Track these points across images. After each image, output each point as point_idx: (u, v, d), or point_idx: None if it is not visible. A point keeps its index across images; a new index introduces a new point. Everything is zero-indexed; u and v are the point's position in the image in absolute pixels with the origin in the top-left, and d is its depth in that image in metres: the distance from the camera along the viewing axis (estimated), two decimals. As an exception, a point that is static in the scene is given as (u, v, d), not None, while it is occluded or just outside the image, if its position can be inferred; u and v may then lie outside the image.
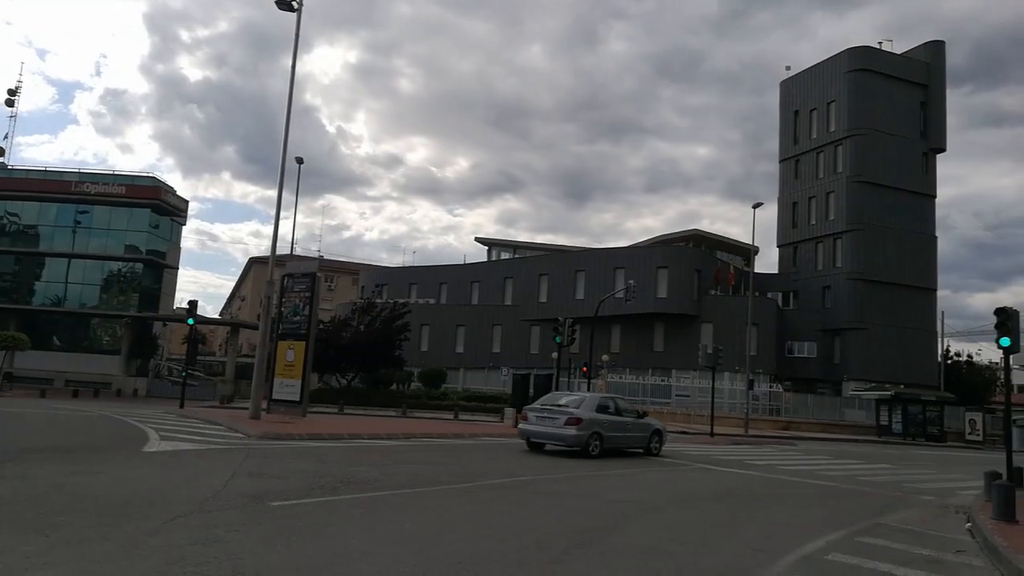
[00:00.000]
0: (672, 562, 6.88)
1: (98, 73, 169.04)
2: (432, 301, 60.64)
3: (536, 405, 19.03)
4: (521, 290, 57.25)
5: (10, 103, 57.14)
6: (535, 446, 18.34)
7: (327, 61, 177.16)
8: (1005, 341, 13.67)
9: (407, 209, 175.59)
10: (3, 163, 55.13)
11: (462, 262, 66.30)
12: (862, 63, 52.75)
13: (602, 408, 18.40)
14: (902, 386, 44.94)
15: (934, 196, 54.57)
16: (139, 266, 52.28)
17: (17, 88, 58.21)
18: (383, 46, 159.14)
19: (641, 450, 19.31)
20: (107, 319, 51.96)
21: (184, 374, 35.59)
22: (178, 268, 57.65)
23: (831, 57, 54.77)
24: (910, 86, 53.71)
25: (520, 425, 19.64)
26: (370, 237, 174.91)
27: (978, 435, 40.79)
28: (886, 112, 52.23)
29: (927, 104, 54.22)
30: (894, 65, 53.76)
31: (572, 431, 17.06)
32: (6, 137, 57.33)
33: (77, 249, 51.99)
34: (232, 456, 13.30)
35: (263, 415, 23.36)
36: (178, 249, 57.12)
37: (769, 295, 53.86)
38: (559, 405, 18.23)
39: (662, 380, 47.97)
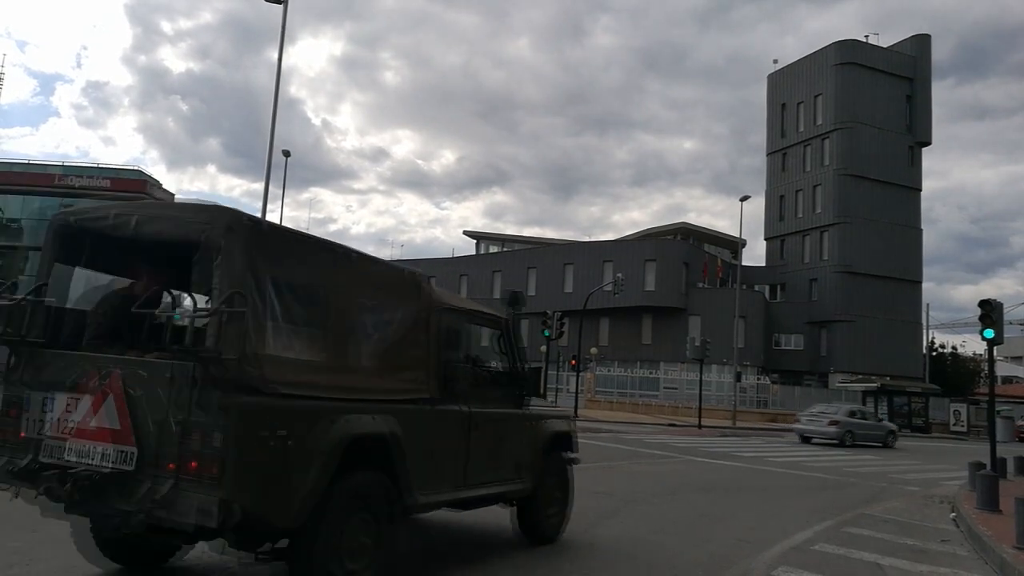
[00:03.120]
0: (661, 553, 6.92)
1: (79, 65, 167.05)
2: (420, 294, 60.47)
3: (806, 412, 28.05)
4: (509, 283, 57.19)
5: (-8, 95, 56.53)
6: (806, 439, 26.07)
7: (312, 53, 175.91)
8: (989, 333, 13.80)
9: (394, 202, 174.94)
10: (-14, 156, 54.56)
11: (450, 255, 66.21)
12: (849, 57, 52.94)
13: (852, 414, 26.90)
14: (888, 378, 45.29)
15: (919, 189, 54.93)
16: (125, 260, 51.86)
17: (-1, 80, 57.59)
18: (368, 38, 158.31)
19: (880, 444, 26.59)
20: (93, 313, 51.56)
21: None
22: (164, 262, 57.16)
23: (818, 51, 54.96)
24: (896, 79, 53.98)
25: (795, 426, 27.80)
26: (357, 231, 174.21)
27: (962, 426, 41.23)
28: (872, 105, 52.47)
29: (913, 97, 54.53)
30: (880, 59, 54.00)
31: (833, 429, 25.20)
32: (-12, 129, 56.69)
33: (62, 243, 51.49)
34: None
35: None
36: (165, 243, 56.65)
37: (756, 288, 54.11)
38: (822, 412, 26.84)
39: (650, 373, 48.10)
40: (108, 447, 3.96)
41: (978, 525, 8.80)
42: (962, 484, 13.33)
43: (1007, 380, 71.77)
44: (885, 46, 55.71)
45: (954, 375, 55.58)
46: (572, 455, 7.44)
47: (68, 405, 4.14)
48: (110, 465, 3.92)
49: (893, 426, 28.59)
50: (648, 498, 10.43)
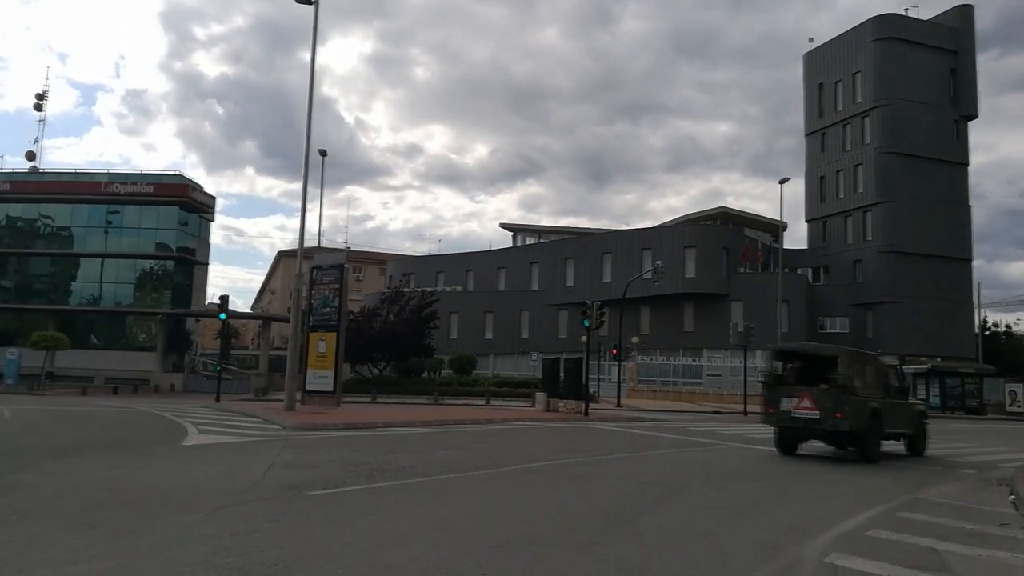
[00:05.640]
0: (708, 540, 6.85)
1: (118, 74, 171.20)
2: (459, 288, 60.81)
3: None
4: (547, 275, 57.20)
5: (39, 107, 57.89)
6: None
7: (342, 52, 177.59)
8: (1045, 309, 13.42)
9: (429, 197, 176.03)
10: (35, 167, 56.06)
11: (487, 248, 66.35)
12: (888, 31, 51.66)
13: None
14: (939, 359, 44.23)
15: (966, 164, 53.44)
16: (170, 263, 52.99)
17: (44, 92, 58.97)
18: (397, 35, 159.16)
19: None
20: (142, 317, 52.83)
21: (218, 368, 36.10)
22: (208, 264, 58.29)
23: (856, 27, 53.74)
24: (938, 52, 52.54)
25: None
26: (394, 227, 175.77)
27: (1019, 407, 40.06)
28: (914, 80, 51.17)
29: (956, 70, 53.02)
30: (921, 32, 52.59)
31: None
32: (36, 142, 58.17)
33: (110, 249, 52.83)
34: (269, 448, 13.50)
35: (298, 406, 23.65)
36: (207, 245, 57.73)
37: (799, 271, 53.27)
38: None
39: (693, 360, 47.72)
40: (810, 412, 14.03)
41: (1038, 507, 8.54)
42: (1020, 466, 12.97)
43: (1065, 358, 69.50)
44: (926, 19, 54.24)
45: (1009, 354, 54.06)
46: (927, 420, 16.65)
47: (791, 401, 14.36)
48: (814, 416, 13.99)
49: None
50: (695, 486, 10.35)
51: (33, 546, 5.84)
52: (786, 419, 14.48)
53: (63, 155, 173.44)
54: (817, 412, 13.83)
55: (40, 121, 58.59)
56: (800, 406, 14.11)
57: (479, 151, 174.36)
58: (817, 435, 14.59)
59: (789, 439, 15.07)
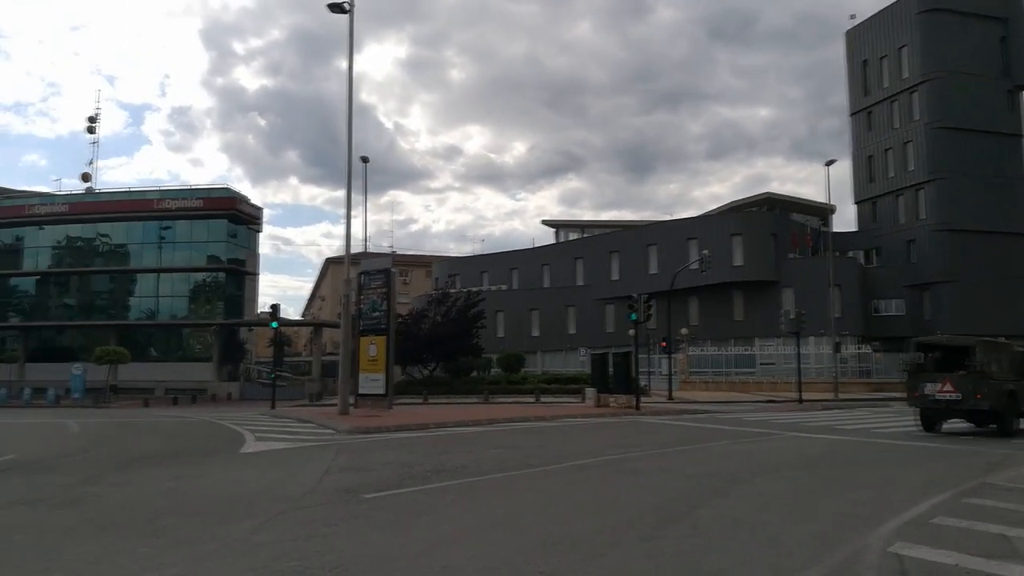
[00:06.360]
0: (765, 532, 6.75)
1: (164, 93, 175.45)
2: (504, 287, 60.89)
3: None
4: (592, 269, 56.93)
5: (91, 130, 59.63)
6: None
7: (378, 59, 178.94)
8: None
9: (470, 198, 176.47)
10: (91, 188, 57.87)
11: (530, 246, 66.33)
12: (933, 3, 50.00)
13: None
14: (1002, 338, 42.71)
15: (1023, 135, 51.53)
16: (222, 275, 54.18)
17: (96, 115, 60.74)
18: (430, 38, 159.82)
19: None
20: (197, 328, 54.19)
21: (272, 376, 36.81)
22: (258, 274, 59.41)
23: (899, 0, 52.21)
24: (987, 21, 50.68)
25: None
26: (437, 229, 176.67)
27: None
28: (963, 51, 49.45)
29: (1007, 39, 51.09)
30: (968, 1, 50.84)
31: None
32: (90, 163, 59.98)
33: (164, 263, 54.32)
34: (324, 452, 13.73)
35: (351, 410, 23.98)
36: (257, 256, 58.87)
37: (850, 254, 52.03)
38: None
39: (745, 349, 46.95)
40: (952, 395, 16.43)
41: (1114, 489, 8.21)
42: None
43: None
44: (973, -13, 52.43)
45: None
46: None
47: (934, 386, 16.80)
48: (956, 398, 16.40)
49: None
50: (750, 477, 10.20)
51: (105, 556, 6.05)
52: (930, 401, 16.88)
53: (116, 174, 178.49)
54: (958, 394, 16.24)
55: (93, 143, 60.35)
56: (943, 390, 16.52)
57: (518, 149, 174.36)
58: (959, 414, 17.01)
59: (932, 418, 17.35)
